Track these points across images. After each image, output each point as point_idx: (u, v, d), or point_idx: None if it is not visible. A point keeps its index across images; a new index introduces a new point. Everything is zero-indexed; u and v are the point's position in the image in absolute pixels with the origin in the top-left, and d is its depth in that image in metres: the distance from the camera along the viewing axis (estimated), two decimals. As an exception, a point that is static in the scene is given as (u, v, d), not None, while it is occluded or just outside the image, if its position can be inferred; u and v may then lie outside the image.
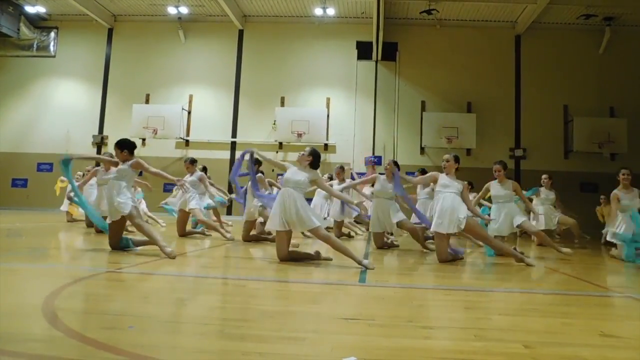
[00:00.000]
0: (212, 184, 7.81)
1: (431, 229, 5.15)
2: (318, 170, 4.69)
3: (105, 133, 15.57)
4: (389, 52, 15.00)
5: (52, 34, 16.25)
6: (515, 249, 5.61)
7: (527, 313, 2.78)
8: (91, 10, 14.99)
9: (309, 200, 6.44)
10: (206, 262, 4.59)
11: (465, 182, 5.23)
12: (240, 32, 15.60)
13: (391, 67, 15.18)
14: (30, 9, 15.55)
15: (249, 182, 5.98)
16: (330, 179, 8.94)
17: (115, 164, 5.01)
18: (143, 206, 9.05)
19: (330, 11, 14.63)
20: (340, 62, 15.27)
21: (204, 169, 7.90)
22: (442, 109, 14.79)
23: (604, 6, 13.56)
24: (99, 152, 15.17)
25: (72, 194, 8.51)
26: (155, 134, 14.51)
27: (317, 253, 4.59)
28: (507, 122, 14.81)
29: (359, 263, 4.17)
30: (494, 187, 6.08)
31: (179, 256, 4.49)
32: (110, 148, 13.64)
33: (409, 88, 15.10)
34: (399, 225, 6.16)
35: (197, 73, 15.58)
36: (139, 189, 8.54)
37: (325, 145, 14.65)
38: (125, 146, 4.93)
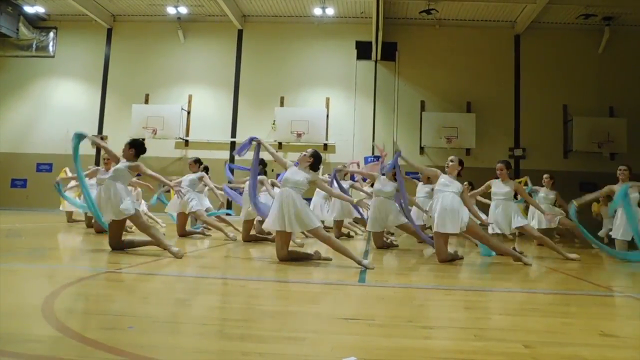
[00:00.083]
0: (216, 187, 7.71)
1: (433, 229, 5.15)
2: (319, 172, 4.70)
3: (104, 133, 15.55)
4: (389, 52, 15.00)
5: (51, 34, 16.24)
6: (514, 248, 5.62)
7: (527, 313, 2.78)
8: (90, 10, 14.97)
9: (309, 200, 6.43)
10: (206, 262, 4.58)
11: (466, 183, 5.24)
12: (240, 32, 15.60)
13: (390, 67, 15.18)
14: (29, 9, 15.54)
15: (247, 182, 5.94)
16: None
17: (118, 161, 5.00)
18: (143, 206, 9.04)
19: (330, 11, 14.63)
20: (340, 62, 15.27)
21: (206, 170, 7.85)
22: (441, 108, 14.79)
23: (603, 6, 13.56)
24: (97, 152, 15.15)
25: (73, 184, 8.50)
26: (155, 134, 14.50)
27: (317, 253, 4.60)
28: (507, 121, 14.82)
29: (359, 263, 4.17)
30: (496, 185, 6.11)
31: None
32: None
33: (408, 88, 15.10)
34: (401, 227, 6.16)
35: (196, 73, 15.57)
36: (139, 189, 8.53)
37: (325, 145, 14.65)
38: (136, 146, 4.94)
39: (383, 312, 2.65)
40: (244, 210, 6.45)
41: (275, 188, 7.42)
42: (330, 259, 4.58)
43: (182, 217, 7.11)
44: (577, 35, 14.75)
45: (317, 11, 14.59)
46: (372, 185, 7.17)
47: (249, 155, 5.32)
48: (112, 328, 2.05)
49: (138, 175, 5.44)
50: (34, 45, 16.17)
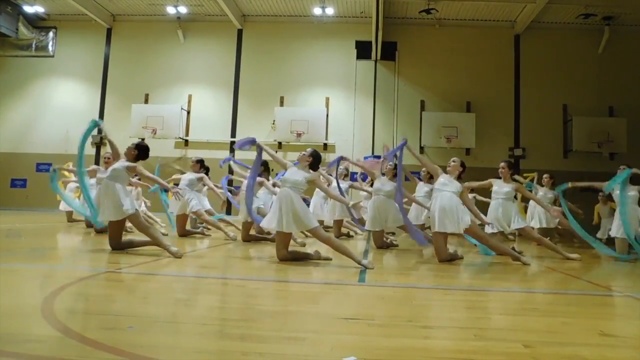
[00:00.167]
0: (215, 185, 7.71)
1: (432, 229, 5.14)
2: (318, 171, 4.69)
3: (104, 133, 15.52)
4: (388, 52, 15.01)
5: (51, 34, 16.24)
6: (513, 248, 5.64)
7: (527, 313, 2.79)
8: (90, 10, 14.97)
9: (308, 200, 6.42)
10: (206, 262, 4.58)
11: (466, 183, 5.24)
12: (240, 32, 15.60)
13: (390, 67, 15.18)
14: (28, 9, 15.54)
15: (245, 183, 5.90)
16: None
17: (118, 159, 4.99)
18: (143, 207, 9.03)
19: (330, 11, 14.63)
20: (340, 61, 15.27)
21: (207, 171, 7.82)
22: (441, 108, 14.79)
23: (603, 6, 13.56)
24: (97, 152, 15.17)
25: (72, 179, 8.50)
26: (155, 134, 14.50)
27: (317, 253, 4.60)
28: (507, 121, 14.82)
29: (359, 263, 4.17)
30: (497, 184, 6.11)
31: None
32: (109, 148, 13.59)
33: (408, 87, 15.10)
34: (402, 227, 6.16)
35: (196, 73, 15.57)
36: (139, 189, 8.53)
37: (325, 145, 14.64)
38: (141, 149, 4.93)
39: (383, 312, 2.65)
40: (242, 211, 6.45)
41: (277, 188, 7.41)
42: (330, 259, 4.58)
43: (182, 217, 7.11)
44: (577, 35, 14.75)
45: (317, 11, 14.59)
46: (372, 185, 7.17)
47: (250, 155, 5.28)
48: (112, 328, 2.05)
49: (137, 175, 5.44)
50: (33, 45, 16.17)
